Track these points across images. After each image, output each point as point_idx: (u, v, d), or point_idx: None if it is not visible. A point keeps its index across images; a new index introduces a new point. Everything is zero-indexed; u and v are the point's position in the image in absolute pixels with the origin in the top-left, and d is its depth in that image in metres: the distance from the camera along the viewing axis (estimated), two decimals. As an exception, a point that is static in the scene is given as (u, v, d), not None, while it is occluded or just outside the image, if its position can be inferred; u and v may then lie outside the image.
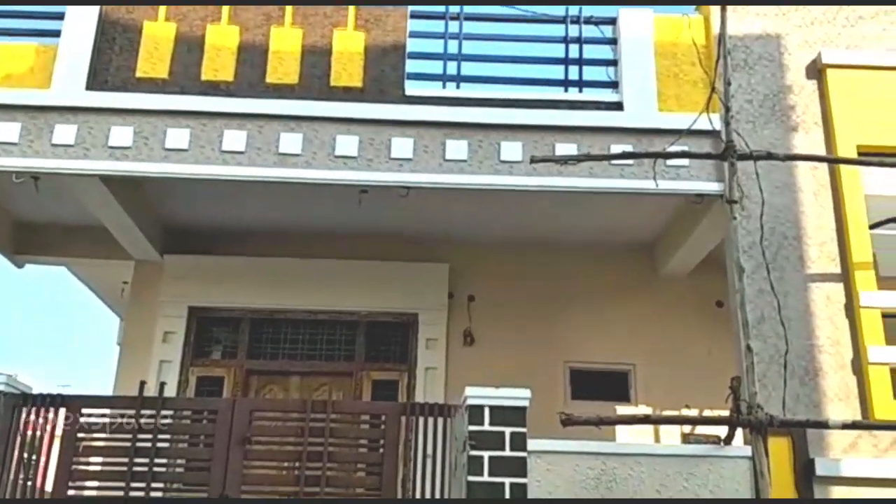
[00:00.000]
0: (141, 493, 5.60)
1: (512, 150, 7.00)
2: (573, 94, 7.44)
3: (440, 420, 5.93)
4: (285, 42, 7.18)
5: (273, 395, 8.39)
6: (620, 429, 8.16)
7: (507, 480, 5.69)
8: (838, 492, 5.98)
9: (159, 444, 5.80)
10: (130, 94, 7.00)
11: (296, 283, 8.69)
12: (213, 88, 7.06)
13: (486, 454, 5.73)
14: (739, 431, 6.06)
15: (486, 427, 5.79)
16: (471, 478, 5.66)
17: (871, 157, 6.68)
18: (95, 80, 7.03)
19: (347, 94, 7.09)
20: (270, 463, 5.92)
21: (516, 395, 5.89)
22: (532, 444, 5.84)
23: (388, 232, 8.76)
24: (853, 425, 5.87)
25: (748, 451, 5.74)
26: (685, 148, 6.54)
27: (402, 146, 6.95)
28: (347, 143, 6.92)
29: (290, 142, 6.91)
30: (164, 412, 5.90)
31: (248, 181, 6.95)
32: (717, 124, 6.34)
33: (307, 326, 8.83)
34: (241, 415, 5.79)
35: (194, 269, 8.79)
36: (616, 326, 8.97)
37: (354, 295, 8.72)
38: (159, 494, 5.79)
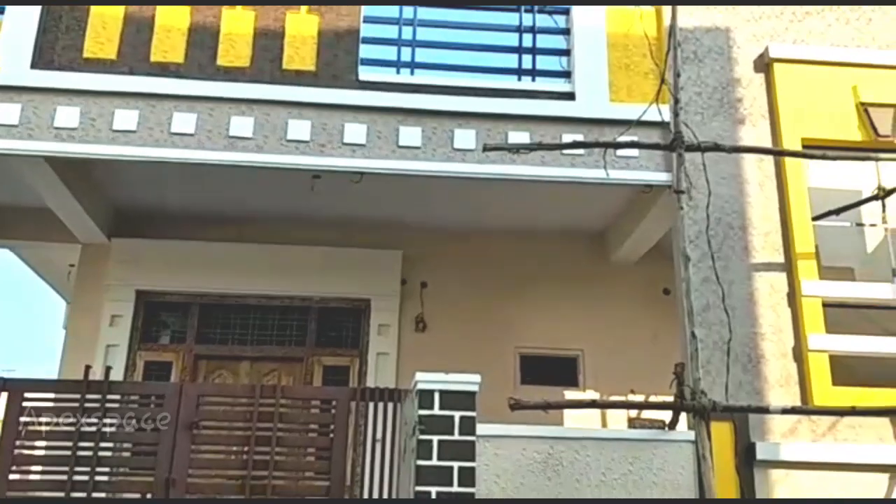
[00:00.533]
0: (85, 478, 5.54)
1: (465, 137, 7.03)
2: (526, 84, 7.49)
3: (390, 405, 5.95)
4: (237, 24, 7.10)
5: (223, 380, 8.33)
6: (568, 413, 8.29)
7: (456, 464, 5.75)
8: (777, 475, 6.15)
9: (105, 429, 5.73)
10: (77, 74, 6.86)
11: (246, 268, 8.63)
12: (163, 70, 6.95)
13: (435, 438, 5.78)
14: (683, 416, 6.21)
15: (436, 411, 5.84)
16: (420, 462, 5.70)
17: (814, 149, 6.85)
18: (41, 59, 6.88)
19: (300, 77, 7.04)
20: (218, 447, 5.89)
21: (466, 381, 5.95)
22: (481, 429, 5.90)
23: (341, 218, 8.74)
24: (793, 410, 6.03)
25: (692, 435, 5.87)
26: (635, 138, 6.65)
27: (355, 132, 6.93)
28: (299, 128, 6.89)
29: (241, 125, 6.85)
30: (110, 396, 5.83)
31: (198, 164, 6.88)
32: (667, 116, 6.45)
33: (257, 311, 8.77)
34: (189, 399, 5.75)
35: (143, 253, 8.67)
36: (566, 313, 9.09)
37: (306, 280, 8.68)
38: (104, 479, 5.73)
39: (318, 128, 6.92)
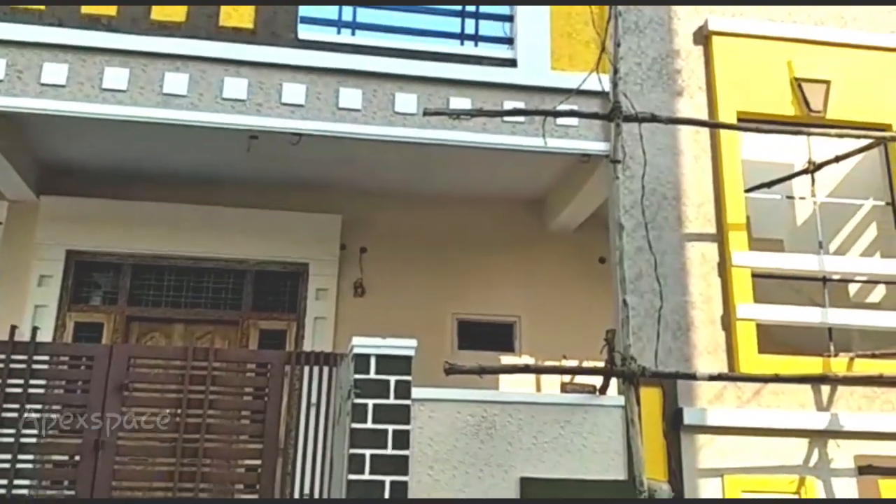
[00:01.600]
0: (10, 440, 5.42)
1: (406, 101, 6.98)
2: (469, 49, 7.44)
3: (325, 369, 5.94)
4: (173, -23, 6.89)
5: (156, 342, 8.19)
6: (504, 378, 8.39)
7: (391, 427, 5.79)
8: (703, 439, 6.34)
9: (32, 391, 5.61)
10: (3, 25, 6.59)
11: (181, 230, 8.45)
12: (95, 23, 6.72)
13: (370, 402, 5.81)
14: (614, 382, 6.34)
15: (372, 376, 5.86)
16: (355, 424, 5.73)
17: (749, 123, 6.99)
18: (-35, 9, 6.60)
19: (237, 35, 6.88)
20: (150, 410, 5.80)
21: (402, 345, 5.97)
22: (416, 393, 5.94)
23: (279, 180, 8.60)
24: (719, 377, 6.20)
25: (621, 400, 6.00)
26: (575, 107, 6.68)
27: (293, 91, 6.82)
28: (236, 86, 6.75)
29: (175, 82, 6.68)
30: (37, 357, 5.69)
31: (131, 121, 6.69)
32: (607, 85, 6.49)
33: (192, 274, 8.62)
34: (119, 361, 5.65)
35: (73, 212, 8.42)
36: (504, 279, 9.15)
37: (242, 243, 8.55)
38: (32, 441, 5.62)
39: (256, 87, 6.79)
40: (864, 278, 7.67)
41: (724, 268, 6.81)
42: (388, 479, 5.69)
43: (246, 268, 8.66)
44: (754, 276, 6.83)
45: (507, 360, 8.93)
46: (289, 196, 8.75)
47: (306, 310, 8.52)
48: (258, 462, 5.67)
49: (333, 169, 8.37)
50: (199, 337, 8.21)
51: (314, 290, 8.59)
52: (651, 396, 6.23)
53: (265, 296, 8.69)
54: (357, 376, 5.82)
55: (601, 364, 6.13)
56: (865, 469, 6.43)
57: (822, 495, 6.35)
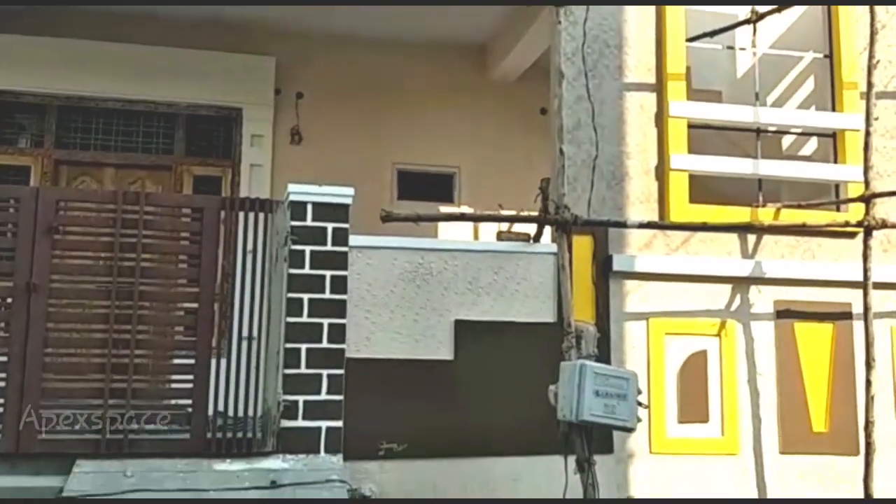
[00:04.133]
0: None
1: (343, -63, 6.64)
2: None
3: (261, 215, 5.89)
4: None
5: (86, 187, 8.01)
6: (443, 228, 8.48)
7: (328, 273, 5.84)
8: (631, 285, 6.55)
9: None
10: None
11: (107, 69, 8.09)
12: None
13: (307, 248, 5.82)
14: (548, 231, 6.45)
15: (309, 223, 5.85)
16: (292, 270, 5.76)
17: (694, -31, 6.84)
18: None
19: None
20: (82, 253, 5.73)
21: (339, 193, 5.94)
22: (353, 240, 5.97)
23: (209, 18, 8.21)
24: (648, 225, 6.35)
25: (554, 247, 6.13)
26: (518, -53, 6.44)
27: (221, -78, 6.42)
28: (160, -86, 6.32)
29: None
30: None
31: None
32: (550, -76, 6.24)
33: (121, 116, 8.33)
34: (47, 204, 5.49)
35: (-8, 49, 7.99)
36: (445, 129, 9.09)
37: (172, 85, 8.24)
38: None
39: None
40: (798, 131, 7.79)
41: (661, 118, 6.83)
42: (326, 321, 5.80)
43: (177, 111, 8.39)
44: (690, 126, 6.88)
45: (446, 210, 9.00)
46: (220, 35, 8.39)
47: (241, 156, 8.37)
48: (195, 305, 5.70)
49: (266, 7, 8.00)
50: (132, 182, 8.04)
51: (249, 135, 8.41)
52: (583, 244, 6.37)
53: (198, 141, 8.49)
54: (294, 223, 5.81)
55: (536, 213, 6.21)
56: (783, 313, 6.77)
57: (741, 338, 6.68)
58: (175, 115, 8.42)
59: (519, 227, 7.39)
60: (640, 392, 5.05)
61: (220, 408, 5.55)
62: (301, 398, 5.63)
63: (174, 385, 5.66)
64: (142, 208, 5.63)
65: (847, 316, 6.79)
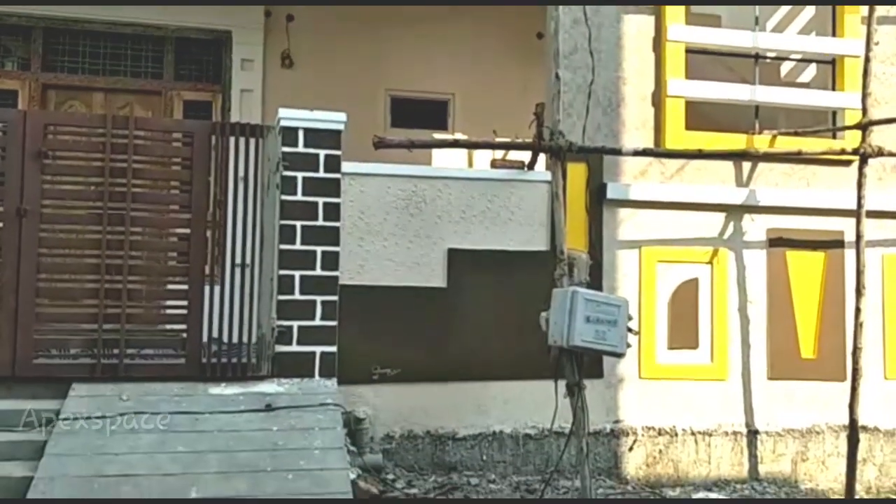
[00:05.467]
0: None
1: None
2: None
3: (252, 140, 5.83)
4: None
5: (75, 111, 7.88)
6: (437, 156, 8.41)
7: (321, 200, 5.82)
8: (624, 213, 6.55)
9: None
10: None
11: (93, -10, 7.90)
12: None
13: (299, 175, 5.78)
14: (543, 159, 6.40)
15: (300, 149, 5.79)
16: (284, 196, 5.73)
17: None
18: None
19: None
20: (72, 178, 5.67)
21: (331, 119, 5.86)
22: (346, 167, 5.92)
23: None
24: (644, 152, 6.30)
25: (548, 175, 6.09)
26: None
27: None
28: None
29: None
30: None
31: None
32: None
33: (109, 39, 8.14)
34: (35, 128, 5.41)
35: (-28, -32, 7.77)
36: (439, 54, 8.93)
37: (159, 7, 8.04)
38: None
39: None
40: (798, 57, 7.68)
41: (658, 42, 6.72)
42: (319, 248, 5.79)
43: (165, 34, 8.20)
44: (688, 51, 6.78)
45: (439, 137, 8.89)
46: (208, -44, 8.16)
47: (231, 81, 8.22)
48: (188, 231, 5.68)
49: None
50: (121, 107, 7.91)
51: (239, 60, 8.25)
52: (577, 172, 6.34)
53: (188, 65, 8.33)
54: (285, 149, 5.75)
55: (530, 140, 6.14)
56: (775, 241, 6.78)
57: (733, 266, 6.72)
58: (164, 39, 8.24)
59: (513, 156, 7.34)
60: (630, 318, 5.08)
61: (215, 334, 5.58)
62: (295, 324, 5.67)
63: (168, 311, 5.68)
64: (131, 133, 5.56)
65: (839, 244, 6.81)
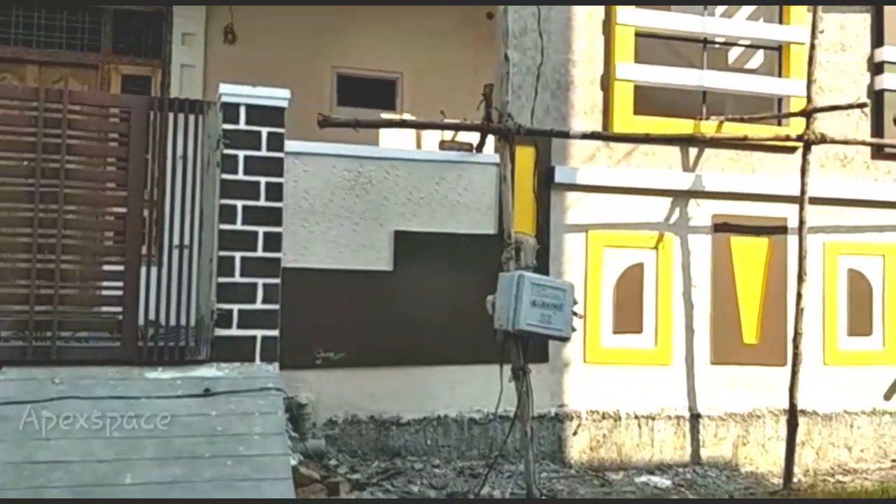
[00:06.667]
0: None
1: None
2: None
3: (192, 117, 5.63)
4: None
5: (6, 83, 7.55)
6: (385, 137, 8.29)
7: (263, 179, 5.63)
8: (573, 197, 6.53)
9: None
10: None
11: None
12: None
13: (241, 153, 5.59)
14: (491, 142, 6.33)
15: (242, 126, 5.61)
16: (225, 176, 5.55)
17: None
18: None
19: None
20: (3, 154, 5.42)
21: (275, 95, 5.67)
22: (290, 146, 5.76)
23: None
24: (592, 136, 6.27)
25: (496, 158, 6.03)
26: None
27: None
28: None
29: None
30: None
31: None
32: None
33: (43, 10, 7.81)
34: (-40, 100, 5.18)
35: None
36: (387, 33, 8.77)
37: (98, -24, 7.77)
38: None
39: None
40: (746, 43, 7.72)
41: (608, 25, 6.69)
42: (261, 229, 5.62)
43: (102, 6, 7.89)
44: (638, 35, 6.76)
45: (387, 117, 8.77)
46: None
47: (171, 55, 7.97)
48: (124, 210, 5.48)
49: None
50: (56, 81, 7.61)
51: (179, 34, 7.99)
52: (525, 155, 6.28)
53: (126, 38, 8.04)
54: (226, 126, 5.57)
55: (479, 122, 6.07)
56: (720, 227, 6.84)
57: (678, 251, 6.75)
58: (101, 10, 7.93)
59: (463, 138, 7.26)
60: (575, 303, 5.06)
61: (152, 317, 5.41)
62: (235, 307, 5.50)
63: (104, 293, 5.48)
64: (65, 107, 5.33)
65: (782, 230, 6.89)
